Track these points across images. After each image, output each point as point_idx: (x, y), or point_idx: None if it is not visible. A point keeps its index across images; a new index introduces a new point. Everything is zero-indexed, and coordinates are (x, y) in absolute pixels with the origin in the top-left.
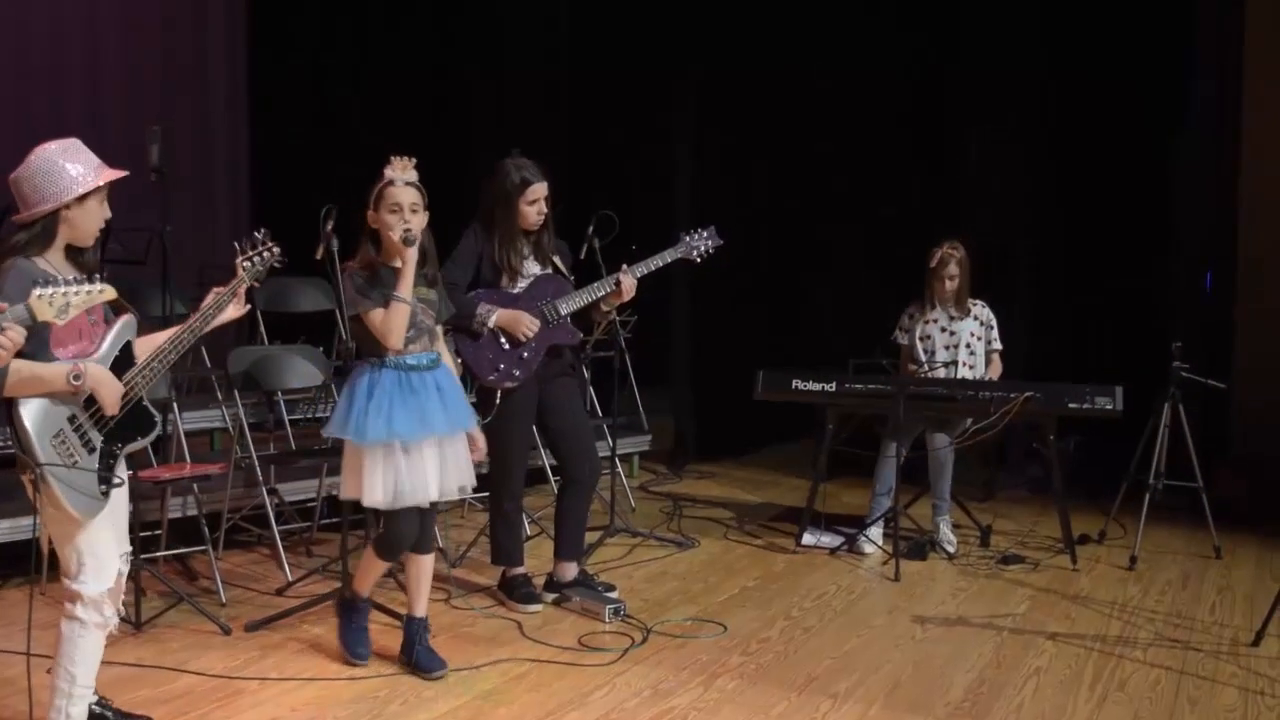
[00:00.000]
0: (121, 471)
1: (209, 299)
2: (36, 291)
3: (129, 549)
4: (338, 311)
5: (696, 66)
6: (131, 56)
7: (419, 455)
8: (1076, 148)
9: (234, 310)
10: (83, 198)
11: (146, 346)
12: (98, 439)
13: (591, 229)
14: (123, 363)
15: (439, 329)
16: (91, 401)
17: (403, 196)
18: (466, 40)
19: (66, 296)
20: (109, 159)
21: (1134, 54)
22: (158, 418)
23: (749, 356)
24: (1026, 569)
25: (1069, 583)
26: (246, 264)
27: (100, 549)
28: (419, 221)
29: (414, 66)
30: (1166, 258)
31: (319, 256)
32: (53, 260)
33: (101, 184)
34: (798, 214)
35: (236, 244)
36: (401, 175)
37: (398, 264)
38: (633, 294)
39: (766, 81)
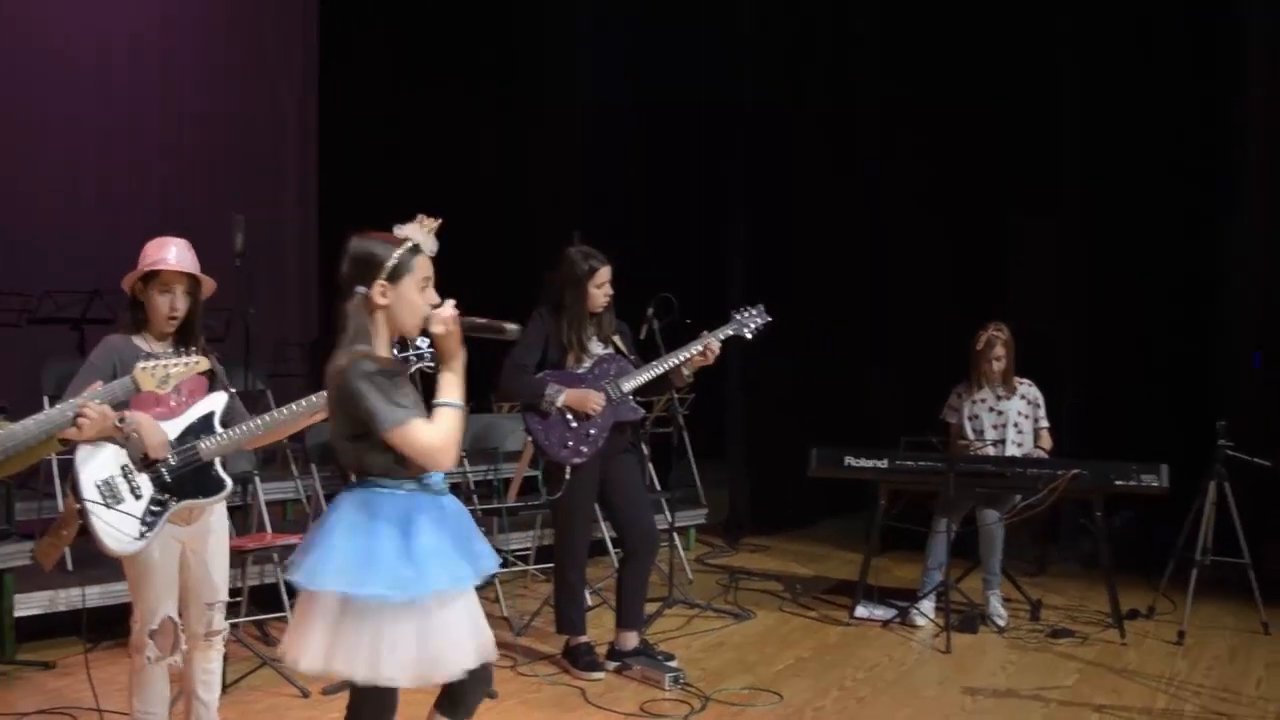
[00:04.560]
0: (206, 529)
1: (312, 399)
2: (140, 364)
3: (222, 599)
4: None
5: (747, 147)
6: (209, 143)
7: (453, 608)
8: (1123, 227)
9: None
10: (146, 282)
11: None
12: (148, 488)
13: (651, 310)
14: (200, 429)
15: None
16: (150, 458)
17: (430, 269)
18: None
19: (167, 369)
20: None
21: (1182, 133)
22: (228, 484)
23: (802, 432)
24: (1076, 642)
25: (1117, 656)
26: None
27: (151, 593)
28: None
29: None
30: (1215, 337)
31: None
32: (146, 340)
33: (153, 270)
34: (850, 293)
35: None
36: (432, 242)
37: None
38: (715, 357)
39: (818, 165)
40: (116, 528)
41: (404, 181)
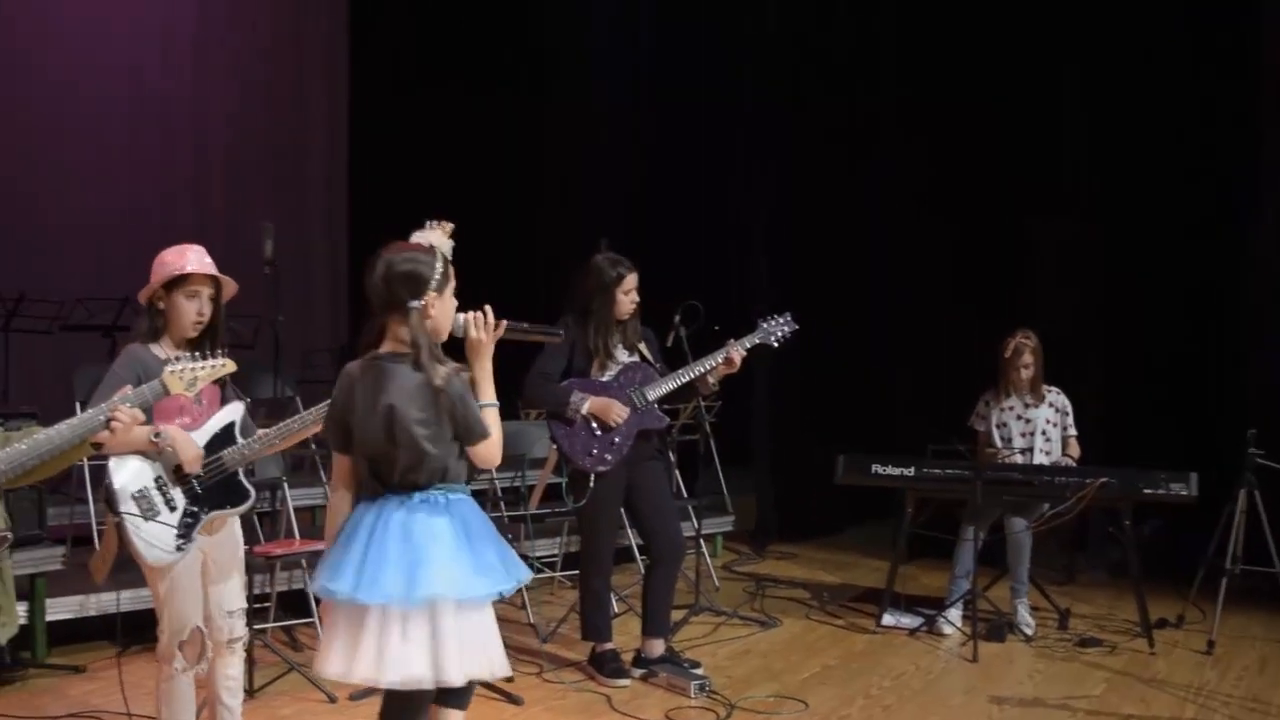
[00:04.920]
0: (229, 538)
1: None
2: (169, 368)
3: (241, 606)
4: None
5: (773, 157)
6: (239, 151)
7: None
8: (1147, 232)
9: None
10: (170, 288)
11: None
12: (181, 500)
13: (678, 318)
14: (223, 440)
15: None
16: (182, 468)
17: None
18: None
19: (195, 372)
20: (215, 253)
21: (1202, 136)
22: (252, 494)
23: (829, 440)
24: (1104, 652)
25: (1146, 666)
26: None
27: (179, 603)
28: None
29: (506, 158)
30: (1244, 342)
31: None
32: (164, 347)
33: (181, 274)
34: (876, 300)
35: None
36: (450, 245)
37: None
38: (738, 366)
39: (842, 174)
40: (154, 540)
41: (431, 186)
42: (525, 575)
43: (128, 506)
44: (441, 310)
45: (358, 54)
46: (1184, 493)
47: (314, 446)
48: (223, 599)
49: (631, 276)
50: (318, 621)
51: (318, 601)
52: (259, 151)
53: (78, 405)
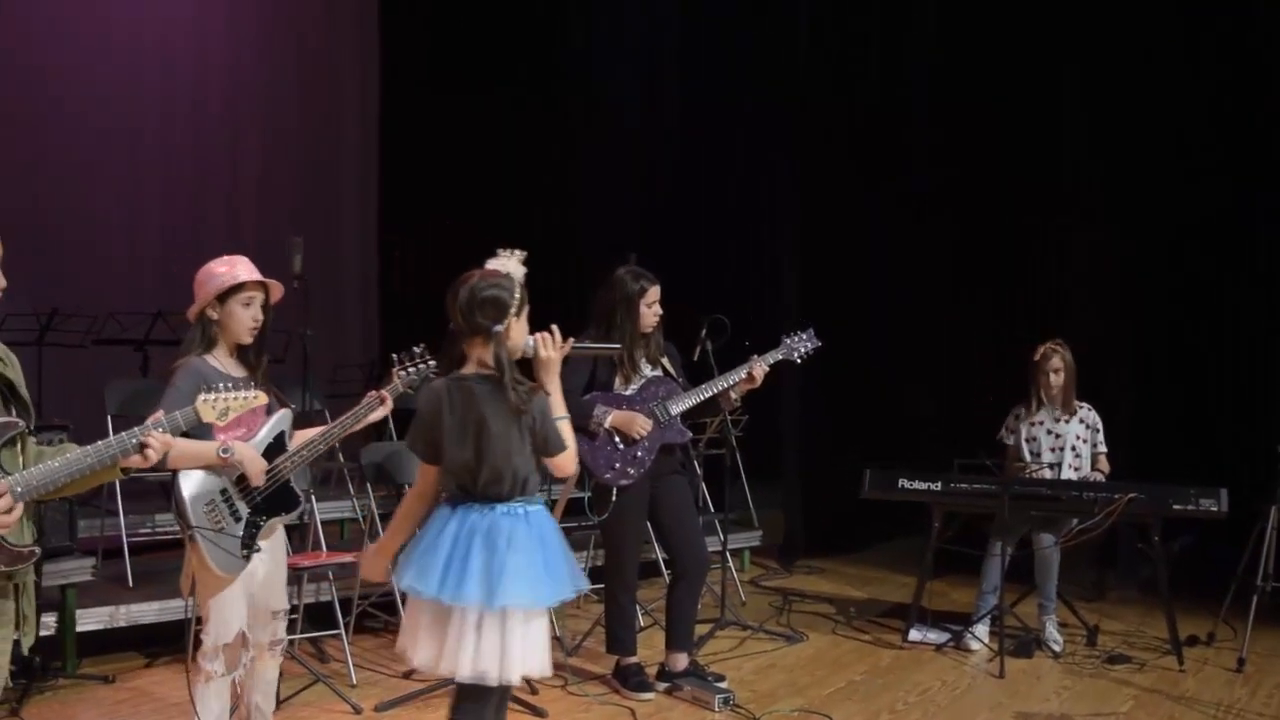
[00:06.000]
0: (277, 540)
1: (366, 399)
2: (201, 396)
3: (285, 607)
4: None
5: (796, 166)
6: (270, 164)
7: None
8: (1178, 243)
9: (381, 412)
10: (224, 299)
11: (300, 438)
12: (244, 510)
13: (704, 332)
14: (275, 449)
15: None
16: (243, 478)
17: None
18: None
19: (226, 402)
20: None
21: (1242, 155)
22: (302, 499)
23: (857, 454)
24: (1132, 669)
25: (1175, 684)
26: (403, 373)
27: (226, 608)
28: None
29: (537, 171)
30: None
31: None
32: (219, 357)
33: (236, 283)
34: (904, 314)
35: (394, 355)
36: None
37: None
38: (759, 382)
39: (869, 184)
40: (225, 551)
41: (462, 200)
42: (584, 585)
43: (199, 520)
44: (516, 332)
45: (389, 67)
46: (1214, 508)
47: (341, 459)
48: (270, 600)
49: (654, 289)
50: (402, 609)
51: (403, 596)
52: (290, 165)
53: (109, 419)
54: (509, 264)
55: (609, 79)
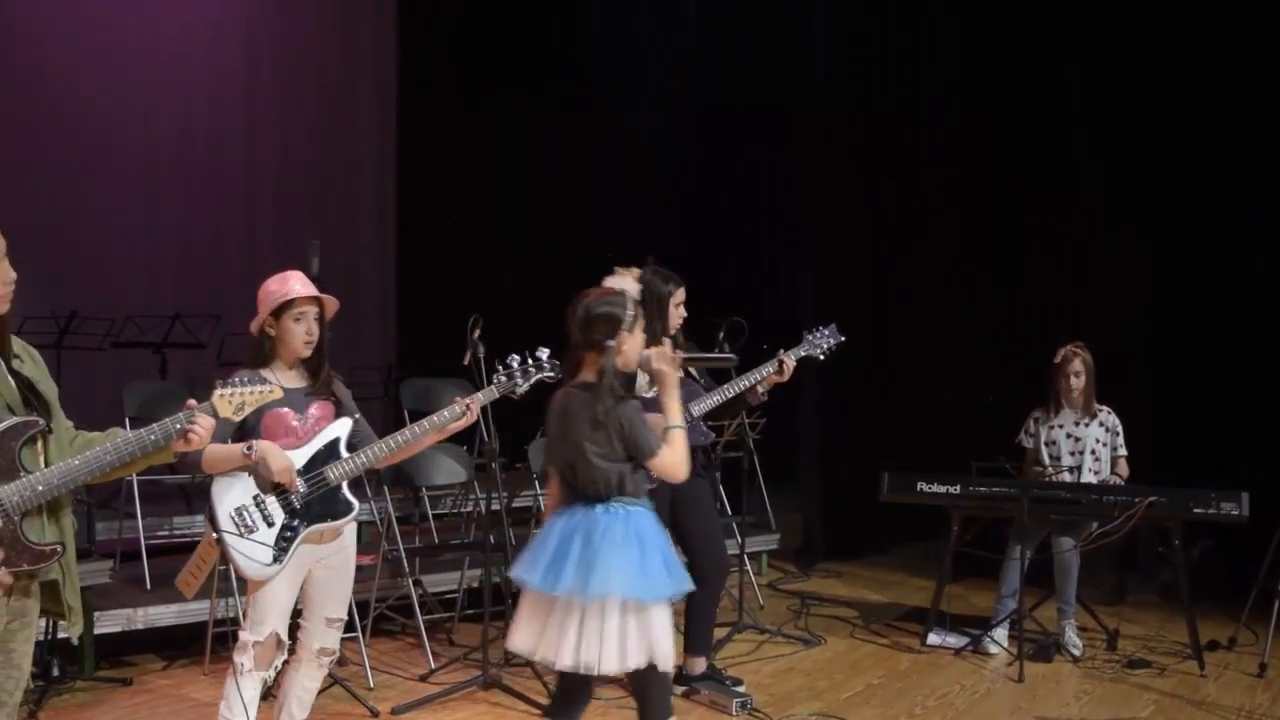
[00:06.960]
0: (339, 547)
1: (454, 407)
2: (218, 391)
3: (341, 616)
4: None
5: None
6: (288, 171)
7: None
8: (1195, 245)
9: (465, 421)
10: (278, 314)
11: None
12: (279, 516)
13: (722, 334)
14: (326, 455)
15: None
16: (281, 485)
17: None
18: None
19: (241, 396)
20: (265, 271)
21: (1259, 153)
22: (355, 506)
23: (876, 457)
24: (1153, 673)
25: (1195, 688)
26: (502, 380)
27: (263, 606)
28: None
29: (555, 176)
30: None
31: (466, 363)
32: (276, 371)
33: (288, 299)
34: (923, 317)
35: (498, 362)
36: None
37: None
38: (788, 376)
39: (888, 185)
40: (251, 555)
41: (480, 204)
42: (687, 585)
43: (226, 524)
44: (631, 345)
45: (406, 73)
46: (1235, 512)
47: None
48: (327, 606)
49: (681, 290)
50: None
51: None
52: (307, 168)
53: (127, 420)
54: (624, 281)
55: (623, 83)
